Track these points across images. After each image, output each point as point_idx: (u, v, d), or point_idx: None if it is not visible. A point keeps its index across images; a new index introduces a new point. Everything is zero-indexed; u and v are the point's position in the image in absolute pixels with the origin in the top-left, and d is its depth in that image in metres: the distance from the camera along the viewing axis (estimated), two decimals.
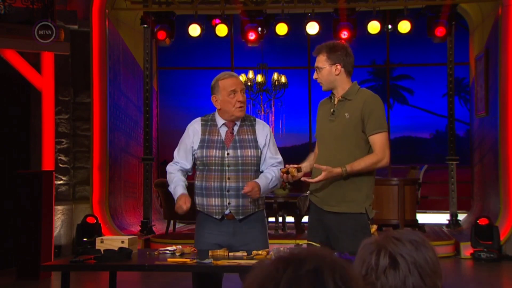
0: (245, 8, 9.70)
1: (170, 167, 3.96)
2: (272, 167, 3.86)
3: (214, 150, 3.82)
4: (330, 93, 3.85)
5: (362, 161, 3.63)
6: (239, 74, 11.19)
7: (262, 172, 3.89)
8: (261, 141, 3.86)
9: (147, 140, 9.93)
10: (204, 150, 3.83)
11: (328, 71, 3.72)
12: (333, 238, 3.68)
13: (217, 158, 3.80)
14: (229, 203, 3.79)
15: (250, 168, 3.82)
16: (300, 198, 3.94)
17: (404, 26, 9.76)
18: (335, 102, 3.79)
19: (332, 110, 3.78)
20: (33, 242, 7.01)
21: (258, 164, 3.87)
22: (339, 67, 3.72)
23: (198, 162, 3.87)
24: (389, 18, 9.99)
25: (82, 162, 9.39)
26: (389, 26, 10.07)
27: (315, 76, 3.79)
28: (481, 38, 10.16)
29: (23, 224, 7.08)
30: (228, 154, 3.80)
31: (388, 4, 9.85)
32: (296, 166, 3.69)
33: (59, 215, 8.97)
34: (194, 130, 3.91)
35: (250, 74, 11.06)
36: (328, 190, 3.71)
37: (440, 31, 9.62)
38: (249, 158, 3.81)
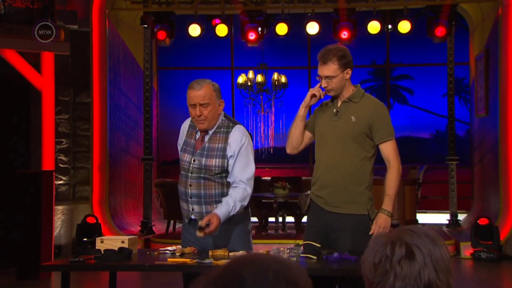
0: (245, 8, 9.69)
1: None
2: (234, 189, 3.61)
3: (186, 155, 3.76)
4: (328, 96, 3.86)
5: (392, 183, 3.75)
6: (239, 74, 11.19)
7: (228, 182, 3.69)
8: (229, 151, 3.65)
9: (147, 140, 9.92)
10: (181, 153, 3.81)
11: (340, 78, 3.70)
12: (333, 238, 3.69)
13: (186, 163, 3.75)
14: (192, 209, 3.74)
15: (213, 176, 3.67)
16: (301, 197, 3.94)
17: (404, 26, 9.76)
18: (338, 103, 3.79)
19: (335, 110, 3.78)
20: (33, 242, 7.02)
21: (222, 172, 3.68)
22: (350, 71, 3.73)
23: None
24: (389, 18, 9.99)
25: (82, 162, 9.40)
26: (389, 26, 10.07)
27: (324, 84, 3.72)
28: (481, 38, 10.15)
29: (23, 224, 7.08)
30: (194, 160, 3.72)
31: (388, 4, 9.85)
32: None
33: (59, 215, 8.97)
34: (183, 130, 3.88)
35: (250, 74, 11.04)
36: (332, 192, 3.73)
37: (440, 31, 9.62)
38: (213, 168, 3.66)
